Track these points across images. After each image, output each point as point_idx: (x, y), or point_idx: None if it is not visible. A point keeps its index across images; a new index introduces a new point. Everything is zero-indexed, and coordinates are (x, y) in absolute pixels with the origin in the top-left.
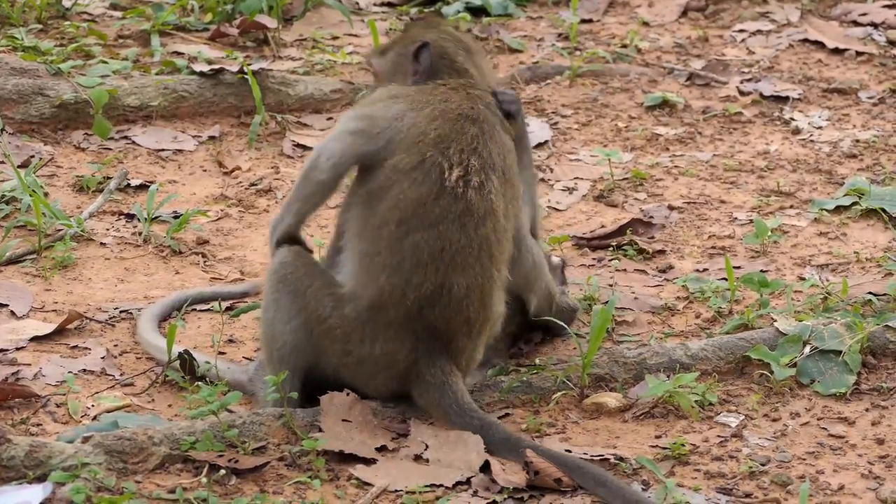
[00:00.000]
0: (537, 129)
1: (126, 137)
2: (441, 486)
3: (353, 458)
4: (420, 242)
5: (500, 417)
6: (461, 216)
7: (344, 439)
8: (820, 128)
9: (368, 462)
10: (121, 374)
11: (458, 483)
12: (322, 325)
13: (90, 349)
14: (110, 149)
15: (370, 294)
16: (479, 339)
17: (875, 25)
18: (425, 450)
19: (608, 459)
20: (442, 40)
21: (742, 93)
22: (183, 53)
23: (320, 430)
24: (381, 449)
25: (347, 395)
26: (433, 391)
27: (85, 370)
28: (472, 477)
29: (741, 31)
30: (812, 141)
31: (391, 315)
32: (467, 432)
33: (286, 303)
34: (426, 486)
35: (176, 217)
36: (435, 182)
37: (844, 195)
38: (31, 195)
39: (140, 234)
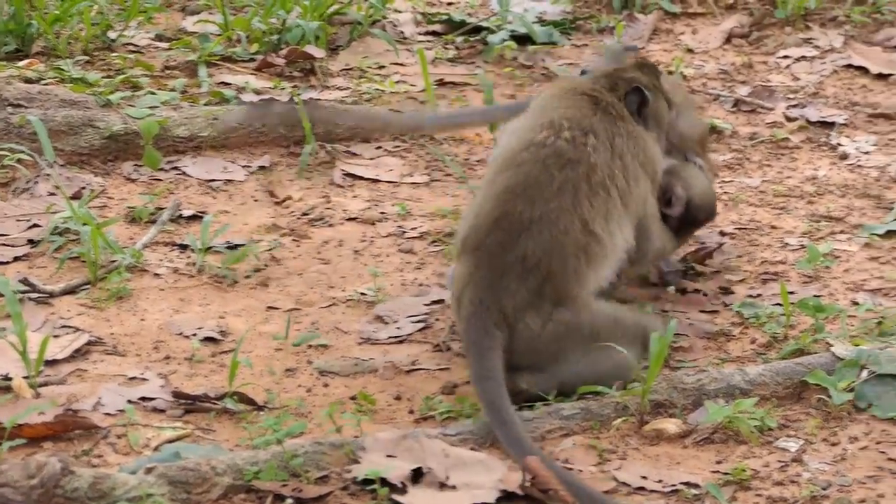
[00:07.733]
0: None
1: (176, 168)
2: None
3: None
4: (501, 180)
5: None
6: (545, 159)
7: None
8: (867, 153)
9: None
10: (179, 404)
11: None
12: None
13: (147, 379)
14: (160, 179)
15: (462, 232)
16: (537, 288)
17: None
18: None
19: (677, 488)
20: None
21: (788, 118)
22: (230, 84)
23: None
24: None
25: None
26: (461, 322)
27: (144, 398)
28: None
29: (785, 56)
30: (860, 166)
31: (467, 245)
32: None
33: None
34: None
35: (230, 248)
36: (526, 138)
37: (894, 220)
38: (89, 226)
39: (194, 264)
